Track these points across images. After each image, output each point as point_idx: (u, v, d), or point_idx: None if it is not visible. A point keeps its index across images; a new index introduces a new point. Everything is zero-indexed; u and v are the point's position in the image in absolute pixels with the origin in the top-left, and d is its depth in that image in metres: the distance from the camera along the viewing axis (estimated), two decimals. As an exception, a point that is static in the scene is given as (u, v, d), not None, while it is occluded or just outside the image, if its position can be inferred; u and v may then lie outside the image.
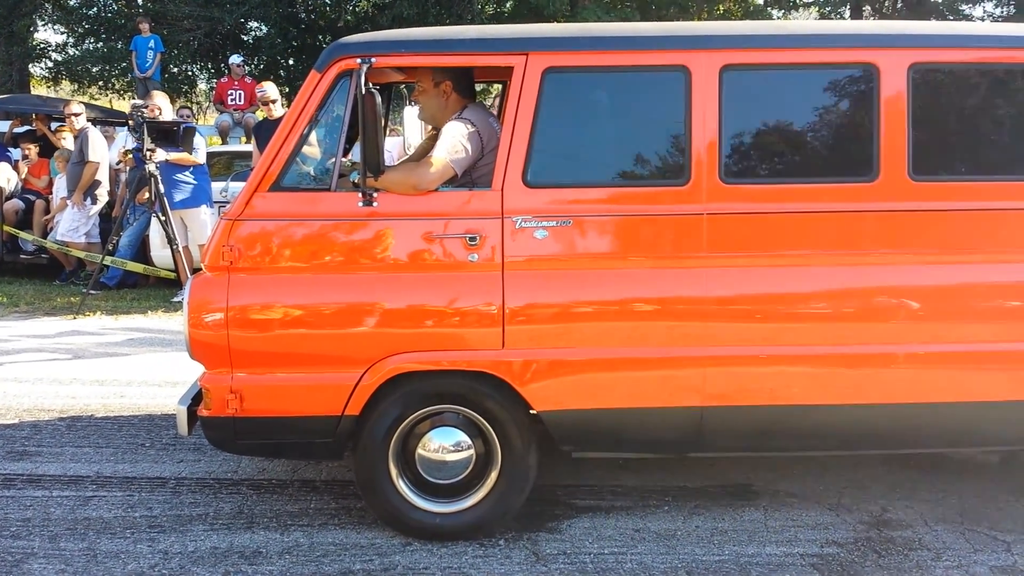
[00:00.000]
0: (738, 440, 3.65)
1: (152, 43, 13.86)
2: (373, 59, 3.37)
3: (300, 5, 17.30)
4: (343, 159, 3.67)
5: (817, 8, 20.01)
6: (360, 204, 3.39)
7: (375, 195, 3.38)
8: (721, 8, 19.10)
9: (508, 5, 18.19)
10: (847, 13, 20.15)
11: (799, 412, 3.51)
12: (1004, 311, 3.51)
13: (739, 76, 3.42)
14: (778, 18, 19.48)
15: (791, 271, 3.45)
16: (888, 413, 3.52)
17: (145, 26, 13.99)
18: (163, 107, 8.51)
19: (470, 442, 3.53)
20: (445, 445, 3.53)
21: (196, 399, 3.62)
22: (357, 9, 17.65)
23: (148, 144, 7.77)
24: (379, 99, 3.26)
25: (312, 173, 3.63)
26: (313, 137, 3.55)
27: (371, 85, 3.27)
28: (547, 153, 3.43)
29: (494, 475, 3.54)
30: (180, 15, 16.71)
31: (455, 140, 3.55)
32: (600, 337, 3.43)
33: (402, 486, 3.54)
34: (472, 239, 3.37)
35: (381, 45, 3.51)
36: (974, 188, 3.48)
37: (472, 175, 3.64)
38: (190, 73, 19.09)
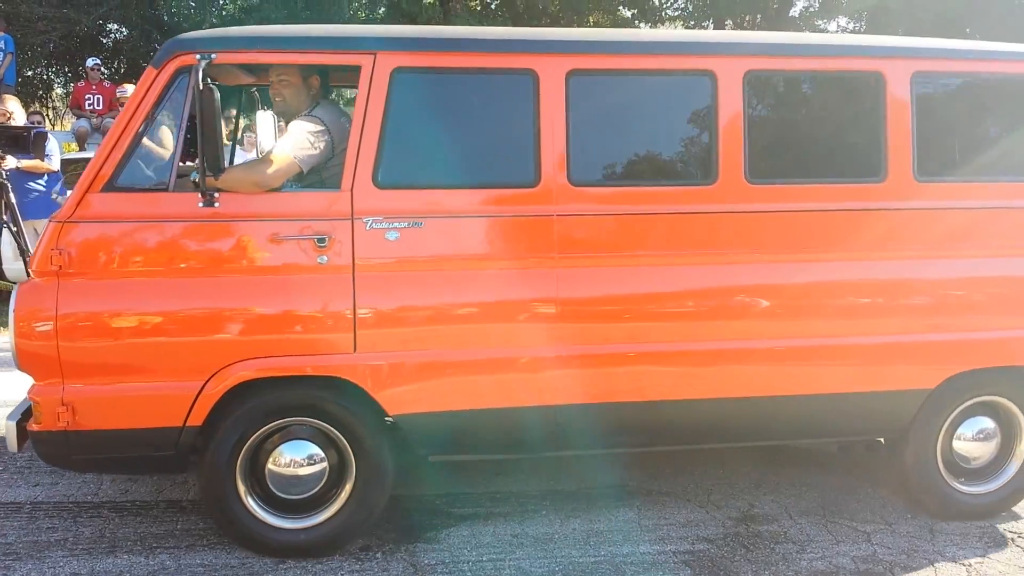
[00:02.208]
0: (593, 438, 3.67)
1: (2, 43, 13.12)
2: (213, 55, 3.26)
3: (163, 7, 16.69)
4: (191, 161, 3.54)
5: (682, 21, 20.65)
6: (201, 205, 3.26)
7: (216, 195, 3.26)
8: (592, 20, 19.48)
9: (381, 11, 18.05)
10: (710, 26, 20.87)
11: (651, 408, 3.58)
12: (838, 308, 3.66)
13: (586, 81, 3.47)
14: (644, 27, 20.00)
15: (639, 271, 3.52)
16: (731, 407, 3.63)
17: None
18: (15, 112, 8.06)
19: (323, 454, 3.45)
20: (297, 459, 3.43)
21: (27, 414, 3.39)
22: (224, 12, 17.16)
23: (-1, 151, 7.33)
24: (218, 95, 3.15)
25: (150, 173, 3.44)
26: (151, 135, 3.38)
27: (209, 81, 3.17)
28: (397, 154, 3.39)
29: (348, 487, 3.48)
30: (33, 16, 15.89)
31: (301, 136, 3.48)
32: (455, 339, 3.41)
33: (251, 503, 3.43)
34: (321, 241, 3.29)
35: (221, 41, 3.38)
36: (806, 191, 3.64)
37: (323, 175, 3.58)
38: (45, 77, 18.17)
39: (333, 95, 3.79)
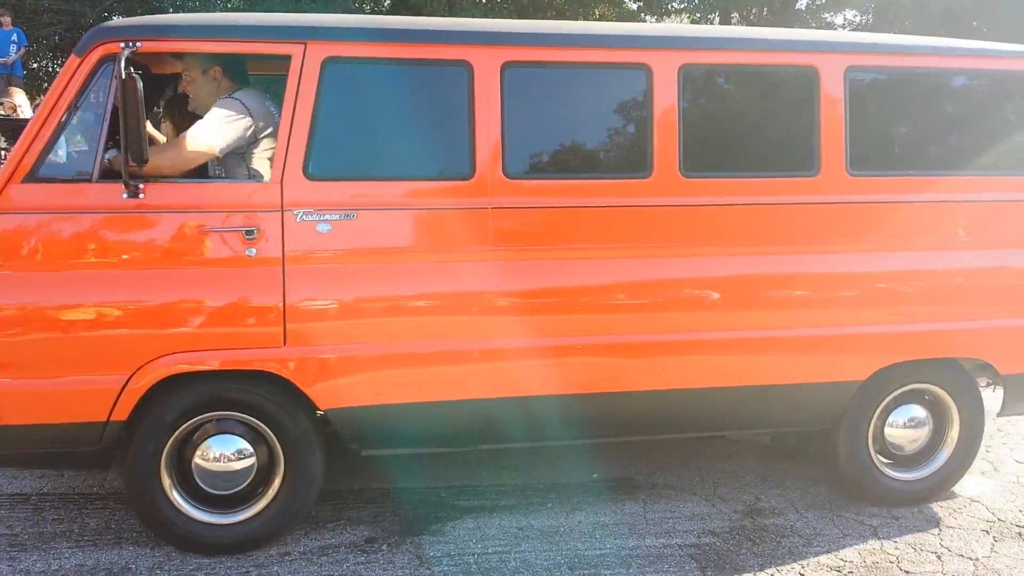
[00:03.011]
0: (525, 431, 3.64)
1: (15, 36, 13.13)
2: (137, 44, 3.20)
3: (167, 0, 16.70)
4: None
5: (688, 14, 20.59)
6: (125, 196, 3.18)
7: (142, 187, 3.19)
8: (597, 13, 19.43)
9: (386, 3, 18.03)
10: (716, 19, 20.80)
11: (584, 400, 3.56)
12: (771, 301, 3.64)
13: (521, 73, 3.44)
14: (651, 22, 19.95)
15: (575, 264, 3.49)
16: (665, 399, 3.62)
17: (7, 19, 13.23)
18: (22, 105, 8.08)
19: (252, 449, 3.40)
20: (225, 454, 3.38)
21: None
22: (228, 5, 17.17)
23: (3, 143, 7.36)
24: (140, 84, 3.07)
25: (73, 163, 3.36)
26: (75, 125, 3.31)
27: (132, 70, 3.09)
28: (329, 145, 3.34)
29: (277, 483, 3.44)
30: (39, 8, 15.90)
31: (218, 119, 3.44)
32: (387, 333, 3.37)
33: (176, 498, 3.38)
34: (249, 233, 3.24)
35: (146, 29, 3.30)
36: (740, 184, 3.63)
37: (248, 163, 3.53)
38: (51, 69, 18.18)
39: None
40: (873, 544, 3.64)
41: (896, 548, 3.61)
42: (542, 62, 3.49)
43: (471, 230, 3.41)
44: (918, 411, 3.97)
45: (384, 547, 3.54)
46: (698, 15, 20.34)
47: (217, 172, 3.70)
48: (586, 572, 3.38)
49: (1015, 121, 3.93)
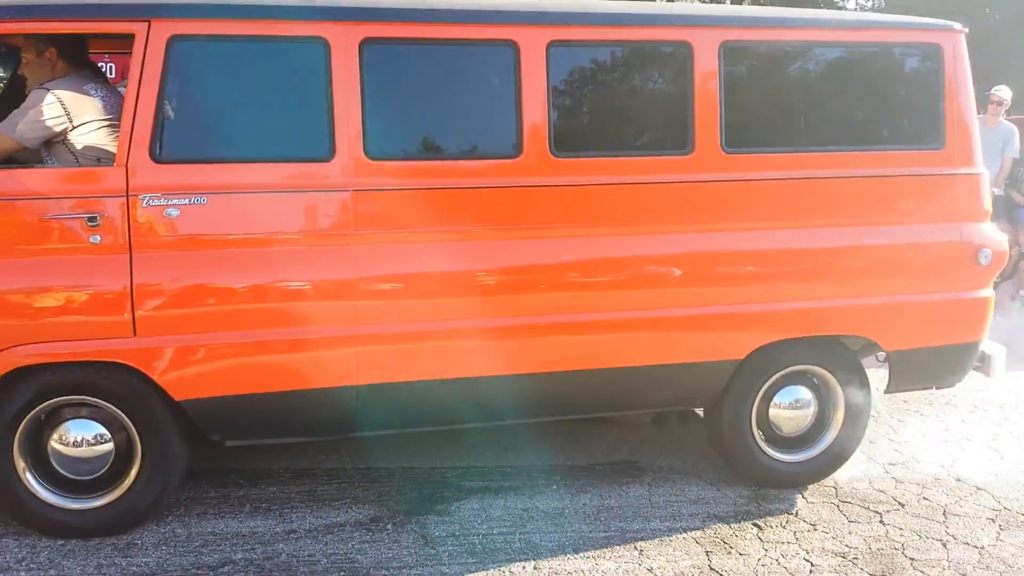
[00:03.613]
0: (398, 417, 3.58)
1: None
2: None
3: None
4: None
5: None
6: None
7: None
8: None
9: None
10: (727, 1, 20.66)
11: (458, 385, 3.49)
12: (647, 280, 3.59)
13: (382, 50, 3.31)
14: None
15: (442, 247, 3.40)
16: (543, 382, 3.57)
17: None
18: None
19: (110, 435, 3.32)
20: (82, 438, 3.31)
21: None
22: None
23: None
24: None
25: None
26: None
27: None
28: (177, 127, 3.23)
29: (135, 470, 3.36)
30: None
31: (26, 111, 3.32)
32: (242, 320, 3.25)
33: (30, 480, 3.29)
34: (92, 219, 3.11)
35: None
36: (613, 163, 3.56)
37: (73, 151, 3.40)
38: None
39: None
40: (878, 530, 3.63)
41: (901, 535, 3.60)
42: (403, 39, 3.36)
43: (330, 214, 3.30)
44: (803, 392, 3.94)
45: (389, 526, 3.54)
46: (707, -2, 20.22)
47: (46, 159, 3.48)
48: (591, 554, 3.37)
49: (893, 95, 3.89)
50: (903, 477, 4.17)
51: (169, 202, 3.17)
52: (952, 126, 3.84)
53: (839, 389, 3.94)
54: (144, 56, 3.15)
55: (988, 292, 3.98)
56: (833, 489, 4.00)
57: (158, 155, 3.17)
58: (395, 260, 3.36)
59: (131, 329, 3.17)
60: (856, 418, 3.96)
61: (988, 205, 3.97)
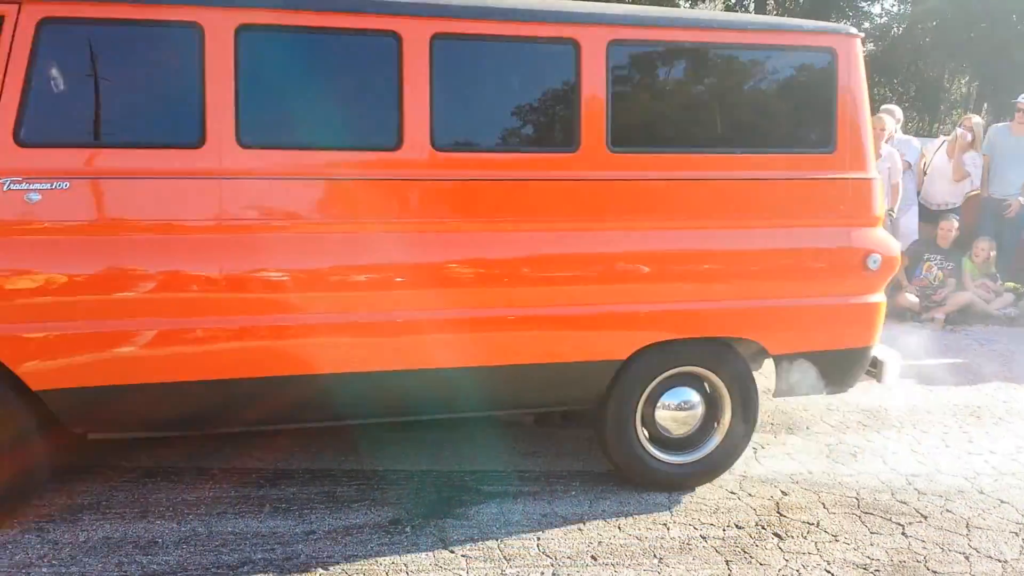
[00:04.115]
0: (262, 414, 3.52)
1: None
2: None
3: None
4: None
5: (724, 1, 20.39)
6: None
7: None
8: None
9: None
10: (751, 6, 20.58)
11: (318, 381, 3.45)
12: (528, 279, 3.55)
13: (258, 37, 3.26)
14: (684, 7, 19.75)
15: (318, 240, 3.35)
16: (414, 379, 3.53)
17: None
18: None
19: None
20: None
21: None
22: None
23: None
24: None
25: None
26: None
27: None
28: (43, 110, 3.15)
29: None
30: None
31: None
32: (104, 309, 3.19)
33: None
34: None
35: None
36: (497, 160, 3.54)
37: None
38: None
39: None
40: (901, 543, 3.59)
41: (924, 548, 3.57)
42: (280, 26, 3.30)
43: (200, 201, 3.23)
44: (690, 395, 3.90)
45: (408, 529, 3.54)
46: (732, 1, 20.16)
47: None
48: (609, 561, 3.36)
49: (784, 97, 3.88)
50: (926, 488, 4.13)
51: (31, 187, 3.09)
52: (844, 130, 3.83)
53: (726, 392, 3.91)
54: (13, 39, 3.09)
55: (878, 298, 3.97)
56: (855, 500, 3.97)
57: (21, 139, 3.10)
58: (265, 255, 3.30)
59: None
60: (743, 422, 3.94)
61: (879, 210, 3.94)
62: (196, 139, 3.22)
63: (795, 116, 3.89)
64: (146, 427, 3.57)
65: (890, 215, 7.47)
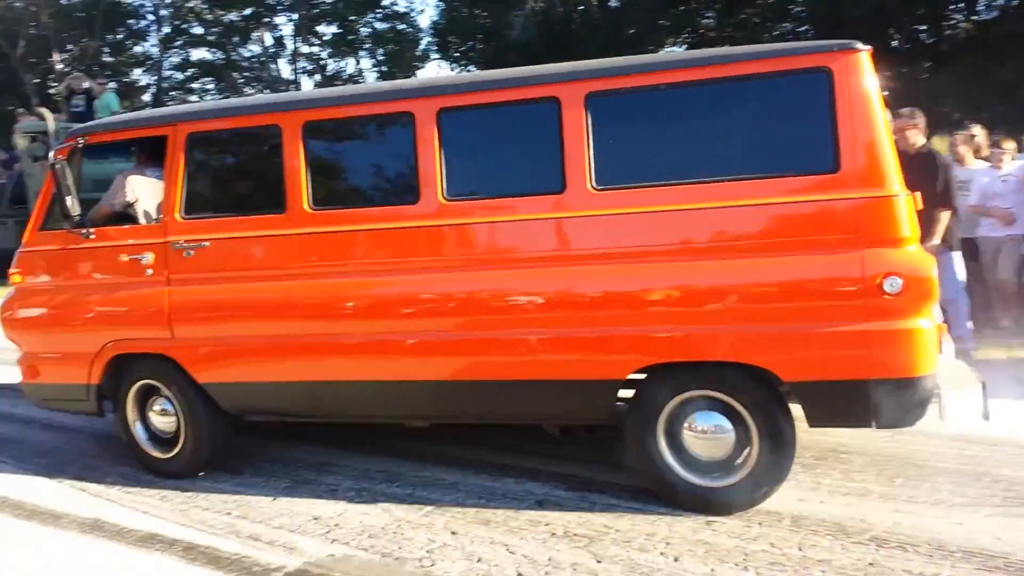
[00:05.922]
0: (347, 407, 4.57)
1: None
2: None
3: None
4: None
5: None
6: None
7: None
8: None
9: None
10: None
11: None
12: (518, 307, 4.04)
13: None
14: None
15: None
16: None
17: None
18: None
19: None
20: None
21: None
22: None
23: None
24: None
25: None
26: None
27: None
28: None
29: None
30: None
31: None
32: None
33: None
34: None
35: None
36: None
37: None
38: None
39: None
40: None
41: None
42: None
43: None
44: (720, 420, 3.91)
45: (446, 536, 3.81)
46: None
47: None
48: None
49: (770, 122, 3.93)
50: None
51: None
52: (849, 148, 3.66)
53: (749, 419, 3.85)
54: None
55: (911, 323, 3.62)
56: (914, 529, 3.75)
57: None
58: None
59: None
60: (770, 451, 3.83)
61: (905, 230, 3.65)
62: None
63: (784, 139, 3.86)
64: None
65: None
